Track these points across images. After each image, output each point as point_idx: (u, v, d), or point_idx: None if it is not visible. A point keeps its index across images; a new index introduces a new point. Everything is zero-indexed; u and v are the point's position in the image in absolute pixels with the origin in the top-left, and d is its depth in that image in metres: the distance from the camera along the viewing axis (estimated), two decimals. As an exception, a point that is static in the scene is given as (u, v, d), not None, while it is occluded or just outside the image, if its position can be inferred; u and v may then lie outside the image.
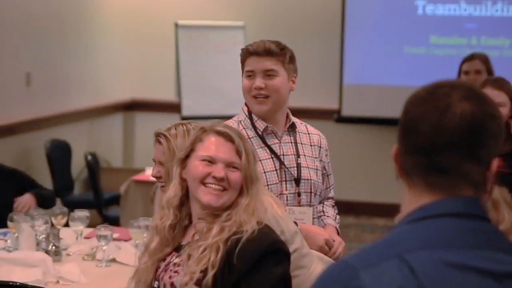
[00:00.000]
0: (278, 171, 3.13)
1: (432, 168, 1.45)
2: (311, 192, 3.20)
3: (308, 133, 3.32)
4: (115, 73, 8.41)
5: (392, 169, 1.55)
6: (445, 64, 7.62)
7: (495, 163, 1.47)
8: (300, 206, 3.16)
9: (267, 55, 3.13)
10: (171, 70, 8.40)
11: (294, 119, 3.28)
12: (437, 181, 1.45)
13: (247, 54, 3.17)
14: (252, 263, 2.26)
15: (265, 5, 8.31)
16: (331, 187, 3.37)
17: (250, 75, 3.14)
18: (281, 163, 3.15)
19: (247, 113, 3.20)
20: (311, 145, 3.29)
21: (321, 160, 3.31)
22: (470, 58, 5.21)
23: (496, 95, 3.82)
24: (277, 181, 3.12)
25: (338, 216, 3.40)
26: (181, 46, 7.96)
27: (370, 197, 7.95)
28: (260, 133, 3.15)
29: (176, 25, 8.00)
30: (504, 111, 3.85)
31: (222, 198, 2.39)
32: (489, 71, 5.19)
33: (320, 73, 8.20)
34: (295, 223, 2.94)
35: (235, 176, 2.41)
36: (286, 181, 3.15)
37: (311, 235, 3.06)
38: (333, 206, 3.41)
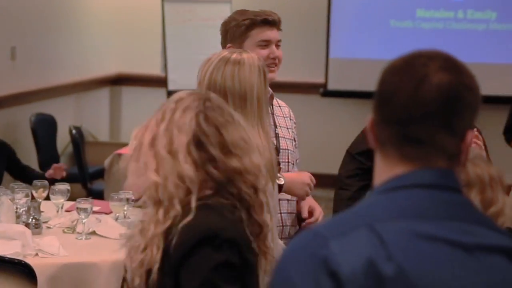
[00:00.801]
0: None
1: (407, 139, 1.44)
2: (288, 162, 3.22)
3: (279, 106, 3.35)
4: (101, 47, 8.37)
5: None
6: (431, 37, 7.61)
7: (470, 135, 1.46)
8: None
9: (279, 26, 3.24)
10: (158, 45, 8.37)
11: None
12: (412, 152, 1.44)
13: (260, 23, 3.19)
14: (185, 251, 2.00)
15: (252, -21, 8.26)
16: (297, 161, 3.38)
17: (266, 44, 3.20)
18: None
19: None
20: (284, 116, 3.32)
21: (292, 131, 3.34)
22: None
23: None
24: None
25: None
26: (167, 20, 7.92)
27: (356, 171, 7.94)
28: None
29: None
30: None
31: None
32: None
33: (306, 47, 8.17)
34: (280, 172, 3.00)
35: None
36: None
37: (296, 178, 3.10)
38: None
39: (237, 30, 3.19)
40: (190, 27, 7.96)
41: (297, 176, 3.14)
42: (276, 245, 2.74)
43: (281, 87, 7.83)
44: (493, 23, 7.68)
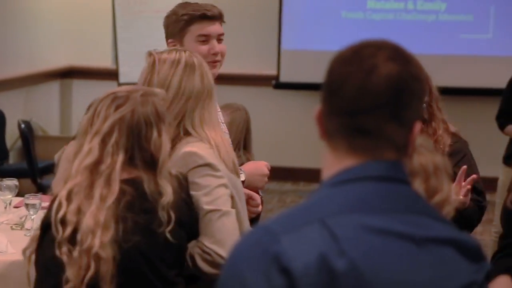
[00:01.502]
0: None
1: (355, 130, 1.43)
2: None
3: None
4: (52, 39, 8.26)
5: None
6: (382, 28, 7.66)
7: (418, 126, 1.46)
8: None
9: (220, 20, 3.16)
10: (109, 37, 8.29)
11: None
12: (360, 143, 1.44)
13: (198, 18, 3.13)
14: None
15: (203, -30, 8.22)
16: None
17: (206, 39, 3.12)
18: None
19: None
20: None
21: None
22: None
23: None
24: None
25: None
26: (118, 12, 7.84)
27: (308, 163, 7.97)
28: None
29: (113, -9, 7.88)
30: None
31: None
32: None
33: (258, 39, 8.17)
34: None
35: None
36: None
37: (255, 171, 3.10)
38: None
39: (176, 25, 3.15)
40: (142, 19, 7.89)
41: (255, 168, 3.13)
42: None
43: (233, 80, 7.85)
44: (442, 14, 7.75)
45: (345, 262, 1.33)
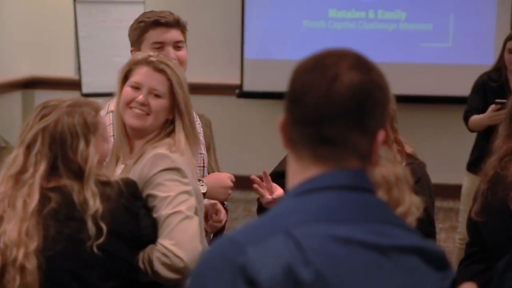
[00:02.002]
0: None
1: (319, 139, 1.44)
2: (203, 166, 3.20)
3: None
4: (13, 49, 8.19)
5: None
6: (344, 37, 7.71)
7: (381, 135, 1.47)
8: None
9: (177, 26, 3.13)
10: (71, 47, 8.24)
11: None
12: (324, 152, 1.44)
13: (152, 25, 3.12)
14: None
15: (165, -20, 8.22)
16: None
17: (160, 46, 3.10)
18: None
19: None
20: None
21: (202, 136, 3.31)
22: None
23: None
24: None
25: None
26: (80, 21, 7.79)
27: (273, 171, 7.98)
28: None
29: (75, 0, 7.83)
30: None
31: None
32: None
33: (221, 48, 8.17)
34: (199, 180, 2.98)
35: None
36: None
37: (218, 184, 3.07)
38: None
39: (135, 33, 3.15)
40: (104, 28, 7.85)
41: (218, 180, 3.10)
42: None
43: (197, 89, 7.82)
44: (403, 23, 7.82)
45: (311, 272, 1.34)
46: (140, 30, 3.13)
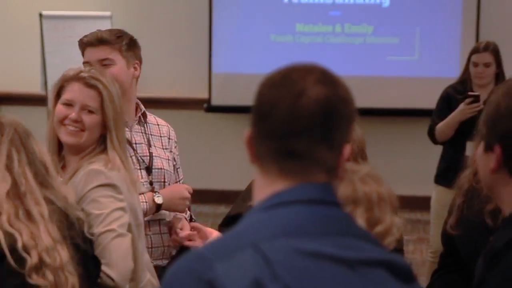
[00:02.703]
0: (133, 157, 3.11)
1: (286, 153, 1.44)
2: (164, 182, 3.19)
3: (158, 124, 3.32)
4: (-22, 65, 8.14)
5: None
6: (311, 51, 7.75)
7: (348, 149, 1.48)
8: None
9: (101, 44, 3.13)
10: (37, 62, 8.19)
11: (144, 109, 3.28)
12: (291, 167, 1.45)
13: (82, 45, 3.17)
14: None
15: (132, -5, 8.21)
16: (180, 181, 3.36)
17: (89, 66, 3.09)
18: (134, 150, 3.14)
19: None
20: (161, 136, 3.28)
21: (171, 151, 3.31)
22: (481, 49, 5.10)
23: None
24: None
25: (189, 212, 3.38)
26: (46, 37, 7.75)
27: (241, 185, 7.95)
28: None
29: (41, 15, 7.79)
30: None
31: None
32: (499, 64, 5.11)
33: (189, 63, 8.16)
34: (155, 191, 2.99)
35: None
36: (140, 169, 3.14)
37: (174, 195, 3.09)
38: None
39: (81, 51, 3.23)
40: (70, 44, 7.75)
41: (174, 191, 3.13)
42: (144, 271, 2.75)
43: (165, 104, 7.83)
44: (370, 37, 7.88)
45: (279, 286, 1.33)
46: (81, 49, 3.21)
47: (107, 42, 3.14)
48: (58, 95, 2.79)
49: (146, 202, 3.02)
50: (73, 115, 2.72)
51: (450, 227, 2.83)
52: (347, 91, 1.48)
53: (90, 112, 2.73)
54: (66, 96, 2.76)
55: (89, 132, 2.72)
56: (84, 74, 2.76)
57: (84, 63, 3.14)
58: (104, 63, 3.13)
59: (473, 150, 1.96)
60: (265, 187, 1.46)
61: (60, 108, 2.76)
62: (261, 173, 1.48)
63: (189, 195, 3.13)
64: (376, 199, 2.21)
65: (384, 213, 2.22)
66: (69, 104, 2.74)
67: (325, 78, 1.46)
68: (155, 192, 3.06)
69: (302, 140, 1.43)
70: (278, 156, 1.45)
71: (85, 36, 3.17)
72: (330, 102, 1.44)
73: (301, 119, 1.43)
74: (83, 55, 3.19)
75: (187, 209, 3.27)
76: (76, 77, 2.76)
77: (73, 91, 2.75)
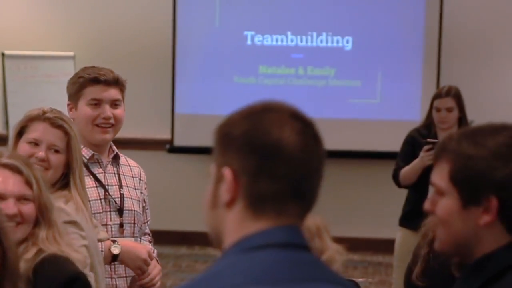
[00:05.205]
0: (103, 200, 3.10)
1: (256, 196, 1.43)
2: (134, 223, 3.17)
3: (129, 166, 3.31)
4: None
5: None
6: (274, 93, 7.78)
7: (316, 196, 1.48)
8: (123, 237, 3.13)
9: (116, 85, 3.16)
10: (-1, 101, 8.13)
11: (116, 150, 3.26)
12: (261, 209, 1.43)
13: (91, 82, 3.12)
14: None
15: (95, 35, 8.20)
16: (147, 222, 3.34)
17: (96, 103, 3.11)
18: (106, 191, 3.12)
19: None
20: (132, 177, 3.28)
21: (141, 193, 3.30)
22: (443, 94, 5.14)
23: None
24: (101, 211, 3.09)
25: (156, 251, 3.34)
26: (8, 76, 7.72)
27: (203, 227, 7.88)
28: (85, 161, 3.10)
29: (3, 55, 7.76)
30: None
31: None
32: (461, 108, 5.14)
33: (151, 103, 8.16)
34: (113, 241, 2.98)
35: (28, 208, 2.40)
36: (110, 211, 3.12)
37: (133, 250, 3.04)
38: (150, 242, 3.36)
39: (73, 87, 3.17)
40: (33, 83, 7.79)
41: (134, 248, 3.07)
42: None
43: (127, 144, 7.79)
44: (332, 79, 7.95)
45: None
46: (79, 85, 3.15)
47: (119, 84, 3.18)
48: (19, 134, 2.79)
49: (102, 250, 2.98)
50: (40, 153, 2.73)
51: (416, 278, 2.83)
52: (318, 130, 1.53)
53: (56, 151, 2.75)
54: (31, 135, 2.77)
55: (54, 171, 2.75)
56: (49, 115, 2.77)
57: (92, 99, 3.11)
58: (116, 103, 3.16)
59: (427, 206, 1.83)
60: (237, 229, 1.44)
61: (24, 147, 2.76)
62: (233, 215, 1.45)
63: (146, 257, 3.06)
64: (315, 230, 2.28)
65: (325, 242, 2.30)
66: (35, 143, 2.75)
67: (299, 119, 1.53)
68: (114, 241, 3.02)
69: (272, 184, 1.42)
70: (249, 199, 1.43)
71: (92, 72, 3.14)
72: (304, 153, 1.46)
73: (297, 161, 1.43)
74: (81, 91, 3.14)
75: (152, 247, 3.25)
76: (42, 117, 2.77)
77: (39, 131, 2.76)
